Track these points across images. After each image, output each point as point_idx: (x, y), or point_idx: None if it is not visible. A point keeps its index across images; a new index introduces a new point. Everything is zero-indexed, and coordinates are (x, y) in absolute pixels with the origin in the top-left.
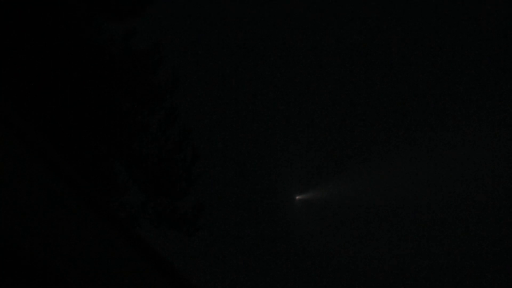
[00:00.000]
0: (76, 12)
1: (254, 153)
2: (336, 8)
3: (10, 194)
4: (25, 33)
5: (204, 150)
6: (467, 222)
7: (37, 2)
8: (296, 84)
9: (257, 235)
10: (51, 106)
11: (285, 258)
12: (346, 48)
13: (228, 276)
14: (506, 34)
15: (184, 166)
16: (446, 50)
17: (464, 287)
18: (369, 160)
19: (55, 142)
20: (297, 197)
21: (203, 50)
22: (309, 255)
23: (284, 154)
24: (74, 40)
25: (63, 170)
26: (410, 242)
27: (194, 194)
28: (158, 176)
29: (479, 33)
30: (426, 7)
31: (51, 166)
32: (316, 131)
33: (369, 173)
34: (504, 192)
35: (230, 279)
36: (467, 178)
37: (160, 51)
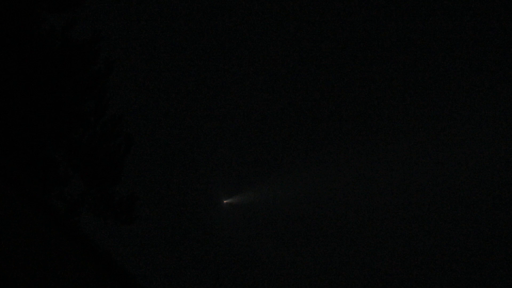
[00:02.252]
0: (15, 3)
1: (185, 152)
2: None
3: None
4: None
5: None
6: (391, 222)
7: None
8: (228, 86)
9: (184, 235)
10: None
11: (211, 259)
12: (274, 50)
13: (153, 271)
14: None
15: (117, 153)
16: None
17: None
18: (295, 163)
19: None
20: (225, 201)
21: (142, 41)
22: (235, 256)
23: (213, 158)
24: (12, 31)
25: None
26: (333, 243)
27: (126, 186)
28: (93, 163)
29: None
30: (358, 9)
31: None
32: (243, 136)
33: (294, 177)
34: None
35: (155, 274)
36: (392, 179)
37: (99, 41)
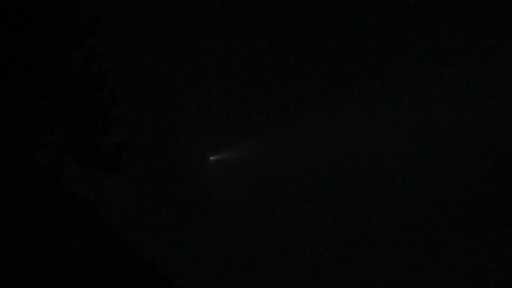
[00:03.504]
0: None
1: (168, 110)
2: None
3: None
4: None
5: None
6: (380, 187)
7: None
8: (213, 43)
9: (169, 194)
10: None
11: (198, 218)
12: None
13: (138, 229)
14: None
15: (103, 105)
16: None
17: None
18: (283, 120)
19: None
20: (211, 158)
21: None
22: (222, 215)
23: (197, 116)
24: None
25: None
26: (323, 204)
27: (114, 136)
28: (79, 114)
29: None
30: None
31: None
32: (229, 92)
33: (283, 135)
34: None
35: (140, 232)
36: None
37: None
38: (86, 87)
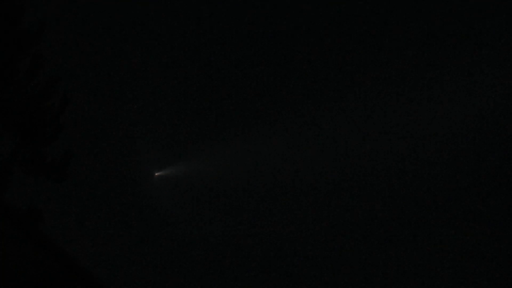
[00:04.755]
0: None
1: (115, 127)
2: None
3: None
4: None
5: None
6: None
7: None
8: (159, 62)
9: (114, 207)
10: None
11: (143, 231)
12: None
13: (84, 238)
14: None
15: (51, 112)
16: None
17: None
18: (224, 137)
19: None
20: (156, 174)
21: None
22: (166, 228)
23: (142, 130)
24: None
25: None
26: (264, 214)
27: (61, 147)
28: (26, 122)
29: None
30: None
31: None
32: (174, 110)
33: (223, 150)
34: None
35: (86, 241)
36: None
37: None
38: (34, 94)
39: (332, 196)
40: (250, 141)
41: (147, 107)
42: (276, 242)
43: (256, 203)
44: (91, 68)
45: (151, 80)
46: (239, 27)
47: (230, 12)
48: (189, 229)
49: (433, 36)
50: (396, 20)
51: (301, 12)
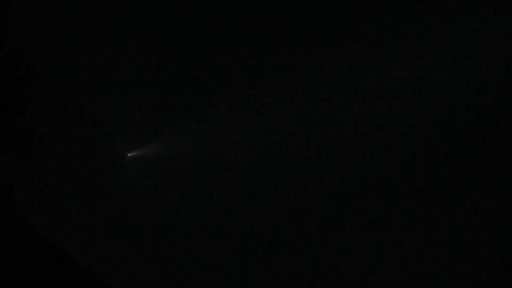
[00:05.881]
0: None
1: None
2: None
3: None
4: None
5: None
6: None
7: None
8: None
9: (86, 189)
10: None
11: (117, 215)
12: None
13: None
14: None
15: (19, 84)
16: None
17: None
18: (202, 112)
19: None
20: (129, 154)
21: None
22: (142, 211)
23: (112, 106)
24: None
25: None
26: (244, 194)
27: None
28: None
29: None
30: None
31: None
32: (143, 86)
33: (200, 127)
34: None
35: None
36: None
37: None
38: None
39: (312, 167)
40: (227, 117)
41: (118, 84)
42: (256, 219)
43: (233, 180)
44: (60, 43)
45: (124, 52)
46: None
47: None
48: (165, 209)
49: None
50: None
51: None
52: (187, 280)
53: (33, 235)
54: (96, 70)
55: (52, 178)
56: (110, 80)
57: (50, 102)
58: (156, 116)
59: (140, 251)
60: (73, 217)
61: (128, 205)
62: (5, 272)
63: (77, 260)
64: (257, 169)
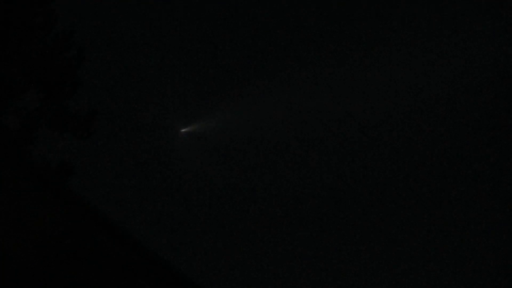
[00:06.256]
0: None
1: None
2: None
3: None
4: None
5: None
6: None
7: None
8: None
9: (139, 166)
10: None
11: (171, 193)
12: None
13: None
14: None
15: (70, 65)
16: None
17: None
18: (254, 87)
19: None
20: (182, 130)
21: None
22: (195, 189)
23: (166, 82)
24: None
25: None
26: (296, 170)
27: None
28: (47, 75)
29: None
30: None
31: None
32: (197, 60)
33: (254, 102)
34: None
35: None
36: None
37: None
38: (51, 48)
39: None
40: (280, 95)
41: (170, 59)
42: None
43: (283, 156)
44: (111, 21)
45: (175, 28)
46: None
47: None
48: (217, 185)
49: None
50: None
51: None
52: (244, 255)
53: (88, 212)
54: (151, 46)
55: (107, 155)
56: (164, 56)
57: (105, 79)
58: (209, 93)
59: (194, 228)
60: (128, 194)
61: (181, 181)
62: (59, 249)
63: (135, 237)
64: (306, 145)
